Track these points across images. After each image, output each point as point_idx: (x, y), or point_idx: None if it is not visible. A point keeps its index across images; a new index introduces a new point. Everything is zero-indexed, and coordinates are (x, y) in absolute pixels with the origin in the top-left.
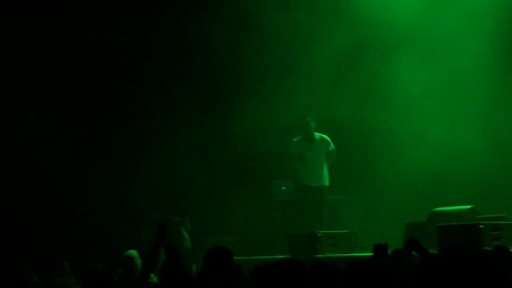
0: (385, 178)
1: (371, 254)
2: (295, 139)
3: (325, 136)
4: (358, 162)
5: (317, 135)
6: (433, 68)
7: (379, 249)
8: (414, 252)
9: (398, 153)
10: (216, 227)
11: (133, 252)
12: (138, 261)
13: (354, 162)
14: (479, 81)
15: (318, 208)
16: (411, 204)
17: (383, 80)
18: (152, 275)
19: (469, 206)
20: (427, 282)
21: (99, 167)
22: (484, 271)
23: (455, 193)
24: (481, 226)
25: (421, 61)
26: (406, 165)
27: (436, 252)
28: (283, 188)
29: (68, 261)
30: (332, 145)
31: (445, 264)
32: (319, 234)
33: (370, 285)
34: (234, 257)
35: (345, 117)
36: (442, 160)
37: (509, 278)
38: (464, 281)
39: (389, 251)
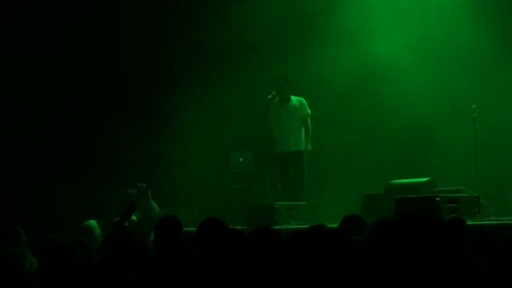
0: (344, 150)
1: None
2: (269, 96)
3: (301, 99)
4: (316, 134)
5: (294, 98)
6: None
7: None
8: None
9: (357, 126)
10: (174, 199)
11: (92, 222)
12: (97, 231)
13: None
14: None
15: (297, 176)
16: (370, 177)
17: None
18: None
19: (426, 179)
20: (380, 248)
21: (57, 133)
22: (439, 237)
23: (414, 166)
24: (438, 198)
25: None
26: (365, 137)
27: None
28: (241, 159)
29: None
30: (308, 109)
31: (399, 230)
32: (276, 206)
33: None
34: (191, 228)
35: (307, 84)
36: (401, 132)
37: (464, 248)
38: (419, 247)
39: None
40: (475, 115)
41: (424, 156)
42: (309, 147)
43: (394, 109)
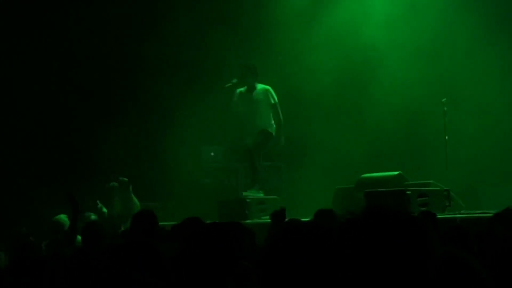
0: (315, 144)
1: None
2: (227, 84)
3: (267, 88)
4: (287, 127)
5: (260, 87)
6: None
7: (322, 214)
8: None
9: (329, 119)
10: (146, 193)
11: (62, 217)
12: (67, 226)
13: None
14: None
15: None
16: (342, 170)
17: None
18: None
19: (396, 172)
20: (350, 242)
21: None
22: (408, 230)
23: (384, 160)
24: (408, 192)
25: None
26: (337, 131)
27: None
28: (212, 154)
29: None
30: (276, 99)
31: (368, 224)
32: (248, 200)
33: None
34: (164, 223)
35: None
36: (373, 127)
37: (433, 240)
38: (388, 240)
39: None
40: (445, 108)
41: (395, 150)
42: (282, 142)
43: (369, 104)
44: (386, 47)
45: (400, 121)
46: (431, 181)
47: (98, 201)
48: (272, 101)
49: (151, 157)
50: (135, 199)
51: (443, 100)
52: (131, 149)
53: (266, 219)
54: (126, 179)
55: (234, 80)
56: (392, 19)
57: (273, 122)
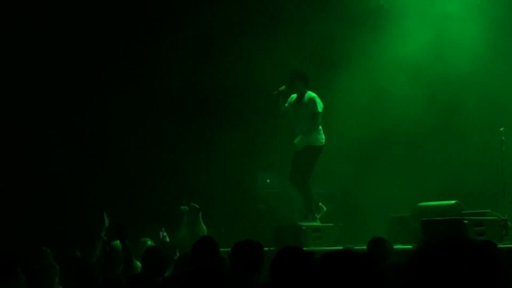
0: (370, 171)
1: (361, 247)
2: (274, 92)
3: (312, 96)
4: (342, 155)
5: (307, 95)
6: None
7: (376, 243)
8: None
9: (383, 147)
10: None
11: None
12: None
13: (338, 154)
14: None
15: (303, 171)
16: (395, 198)
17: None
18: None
19: (453, 201)
20: (426, 273)
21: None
22: (489, 263)
23: (439, 188)
24: (465, 221)
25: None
26: (390, 158)
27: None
28: (268, 180)
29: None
30: (317, 107)
31: (446, 254)
32: (303, 227)
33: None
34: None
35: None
36: (429, 155)
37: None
38: (467, 271)
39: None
40: (503, 137)
41: (452, 178)
42: (317, 143)
43: (424, 133)
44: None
45: (457, 150)
46: (488, 210)
47: (163, 228)
48: (313, 110)
49: (207, 182)
50: (203, 226)
51: (501, 129)
52: (186, 174)
53: (322, 246)
54: (197, 205)
55: (282, 88)
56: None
57: (319, 130)
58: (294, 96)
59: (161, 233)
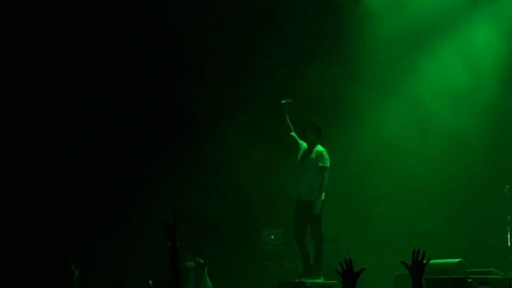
0: (373, 228)
1: None
2: (283, 101)
3: (321, 151)
4: (347, 212)
5: (318, 147)
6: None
7: None
8: None
9: (387, 204)
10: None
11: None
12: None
13: (343, 211)
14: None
15: (304, 225)
16: (401, 256)
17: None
18: None
19: (458, 260)
20: None
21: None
22: None
23: (443, 246)
24: (469, 280)
25: None
26: (397, 215)
27: None
28: (272, 237)
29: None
30: (325, 162)
31: None
32: (308, 284)
33: None
34: None
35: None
36: (433, 212)
37: None
38: None
39: None
40: (508, 194)
41: (456, 236)
42: (317, 209)
43: (428, 190)
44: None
45: (462, 207)
46: (492, 269)
47: (150, 281)
48: (320, 164)
49: (212, 237)
50: (209, 282)
51: (505, 188)
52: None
53: None
54: (202, 260)
55: (290, 100)
56: None
57: (317, 186)
58: (305, 145)
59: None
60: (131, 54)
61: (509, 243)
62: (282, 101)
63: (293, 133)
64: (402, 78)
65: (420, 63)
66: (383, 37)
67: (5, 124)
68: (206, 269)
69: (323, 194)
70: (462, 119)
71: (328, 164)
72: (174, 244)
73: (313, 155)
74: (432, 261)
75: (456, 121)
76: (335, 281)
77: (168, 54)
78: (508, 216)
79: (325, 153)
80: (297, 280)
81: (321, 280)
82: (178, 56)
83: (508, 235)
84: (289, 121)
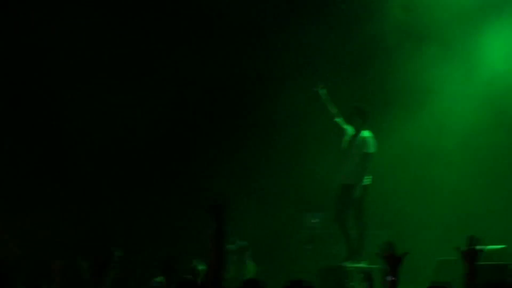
0: (415, 212)
1: None
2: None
3: (366, 136)
4: (388, 197)
5: (363, 133)
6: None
7: None
8: None
9: (428, 186)
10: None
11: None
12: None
13: (384, 195)
14: None
15: (344, 208)
16: (443, 242)
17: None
18: None
19: (501, 246)
20: None
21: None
22: None
23: (489, 231)
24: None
25: None
26: (438, 203)
27: None
28: (313, 221)
29: None
30: (369, 147)
31: None
32: (348, 268)
33: None
34: None
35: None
36: (475, 198)
37: None
38: None
39: None
40: None
41: (499, 223)
42: (356, 193)
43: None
44: None
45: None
46: None
47: (193, 261)
48: (364, 150)
49: (252, 221)
50: (251, 264)
51: None
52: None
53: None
54: (245, 242)
55: (322, 85)
56: None
57: (360, 171)
58: (351, 131)
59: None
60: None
61: None
62: (315, 89)
63: (337, 119)
64: None
65: None
66: None
67: (59, 113)
68: (248, 252)
69: (367, 179)
70: None
71: (372, 150)
72: (221, 227)
73: (358, 141)
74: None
75: None
76: (377, 266)
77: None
78: None
79: (370, 139)
80: (339, 264)
81: (363, 264)
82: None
83: None
84: (330, 107)
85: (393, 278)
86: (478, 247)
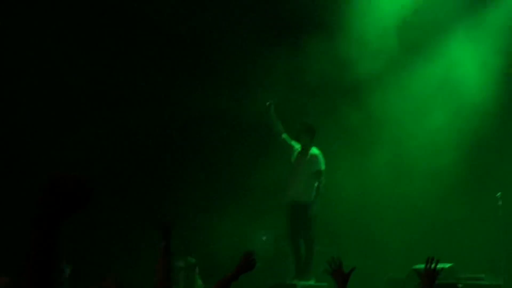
0: (366, 231)
1: None
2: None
3: (316, 154)
4: (338, 214)
5: (313, 150)
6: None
7: None
8: None
9: (382, 206)
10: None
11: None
12: None
13: (334, 214)
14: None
15: (299, 227)
16: (393, 260)
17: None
18: None
19: (449, 265)
20: None
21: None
22: None
23: (435, 251)
24: (459, 285)
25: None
26: (387, 219)
27: None
28: (264, 238)
29: None
30: (321, 165)
31: None
32: (298, 286)
33: None
34: None
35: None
36: (427, 216)
37: None
38: None
39: None
40: (500, 203)
41: (448, 241)
42: (312, 211)
43: (422, 194)
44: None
45: (455, 212)
46: (483, 275)
47: None
48: (317, 168)
49: (203, 237)
50: (200, 281)
51: (498, 194)
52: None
53: None
54: (194, 259)
55: (274, 100)
56: None
57: (314, 188)
58: (298, 147)
59: None
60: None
61: (501, 250)
62: (267, 103)
63: (284, 135)
64: None
65: None
66: None
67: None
68: (197, 269)
69: (318, 197)
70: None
71: (323, 167)
72: (168, 244)
73: (308, 158)
74: (423, 265)
75: None
76: (325, 283)
77: None
78: (500, 222)
79: (320, 156)
80: (288, 282)
81: (312, 282)
82: None
83: (501, 241)
84: (278, 123)
85: None
86: (437, 266)
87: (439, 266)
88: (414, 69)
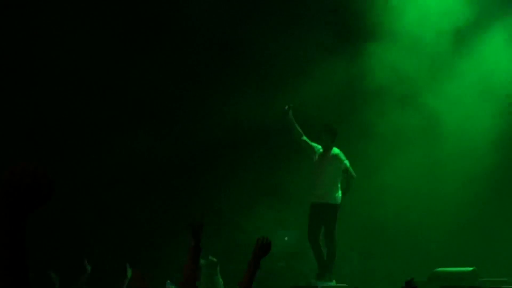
0: (388, 234)
1: None
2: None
3: (337, 152)
4: (361, 217)
5: (334, 150)
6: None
7: None
8: None
9: (402, 209)
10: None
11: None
12: None
13: (357, 216)
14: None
15: (321, 227)
16: (414, 263)
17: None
18: None
19: (471, 268)
20: None
21: None
22: None
23: (456, 254)
24: None
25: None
26: (409, 221)
27: None
28: (286, 238)
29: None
30: (346, 162)
31: None
32: (318, 287)
33: None
34: None
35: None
36: (448, 220)
37: None
38: None
39: None
40: None
41: (471, 245)
42: (340, 201)
43: (444, 196)
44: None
45: (477, 216)
46: (505, 279)
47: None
48: (343, 165)
49: (227, 238)
50: (221, 280)
51: None
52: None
53: None
54: (215, 259)
55: (291, 105)
56: None
57: (338, 189)
58: (319, 148)
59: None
60: None
61: None
62: (286, 107)
63: (304, 137)
64: None
65: None
66: None
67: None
68: (218, 268)
69: (340, 198)
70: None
71: (348, 163)
72: (198, 244)
73: (330, 158)
74: (444, 269)
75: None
76: (346, 285)
77: None
78: None
79: (341, 154)
80: (309, 283)
81: (332, 284)
82: None
83: None
84: (297, 126)
85: None
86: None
87: (462, 269)
88: (461, 72)
